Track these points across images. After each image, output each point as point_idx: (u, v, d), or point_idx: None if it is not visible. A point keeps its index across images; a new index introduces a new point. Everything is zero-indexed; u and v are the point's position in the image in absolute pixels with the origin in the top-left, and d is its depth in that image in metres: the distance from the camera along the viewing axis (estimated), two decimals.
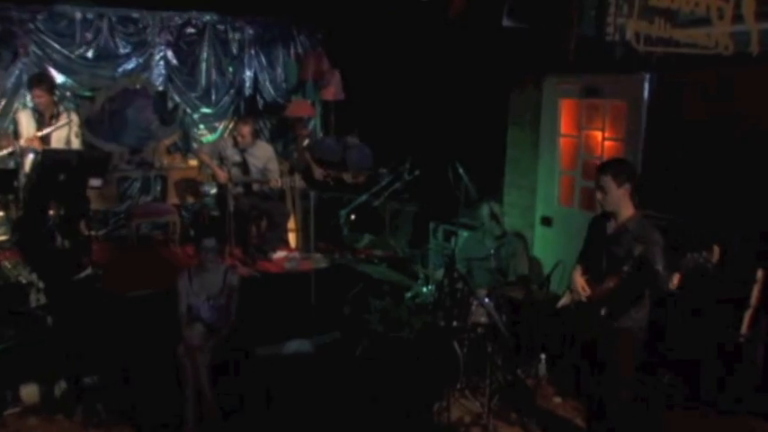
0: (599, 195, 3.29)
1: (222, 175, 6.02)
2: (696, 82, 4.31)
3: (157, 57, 7.47)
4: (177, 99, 7.64)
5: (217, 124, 7.98)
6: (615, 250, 3.26)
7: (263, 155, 6.24)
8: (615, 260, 3.24)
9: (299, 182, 6.17)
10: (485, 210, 5.42)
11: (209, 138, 7.84)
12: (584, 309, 3.43)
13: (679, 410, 4.00)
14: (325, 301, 5.38)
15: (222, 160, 6.17)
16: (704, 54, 4.15)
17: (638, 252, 3.10)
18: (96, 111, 7.03)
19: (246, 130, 6.10)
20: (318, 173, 6.73)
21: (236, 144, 6.15)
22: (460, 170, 4.88)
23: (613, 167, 3.31)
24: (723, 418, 3.86)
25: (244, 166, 6.17)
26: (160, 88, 7.52)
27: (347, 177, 6.56)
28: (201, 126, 7.92)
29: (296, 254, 6.65)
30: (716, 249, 2.96)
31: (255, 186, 6.24)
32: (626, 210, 3.28)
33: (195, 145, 7.65)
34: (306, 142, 8.06)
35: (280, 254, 6.55)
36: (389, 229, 6.61)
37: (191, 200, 7.22)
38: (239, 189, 6.18)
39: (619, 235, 3.28)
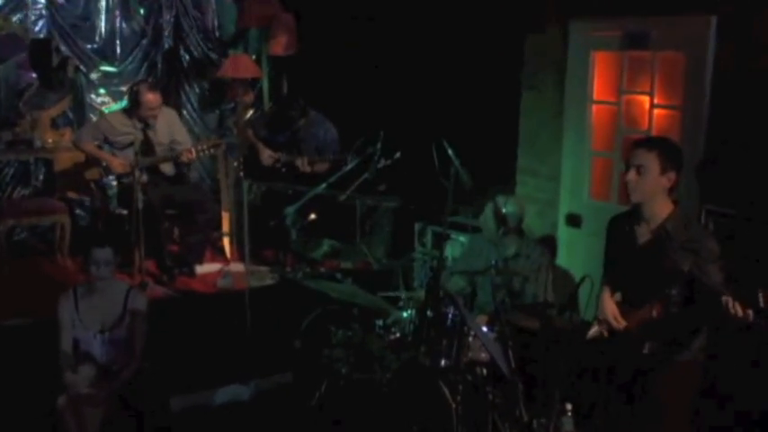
0: (632, 176, 3.33)
1: (119, 164, 6.07)
2: None
3: None
4: (66, 52, 7.57)
5: (123, 88, 7.88)
6: (654, 265, 3.29)
7: (166, 125, 6.33)
8: (656, 279, 3.27)
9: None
10: (488, 207, 5.38)
11: (113, 107, 7.81)
12: (622, 343, 3.45)
13: None
14: (270, 331, 5.36)
15: (112, 145, 6.22)
16: None
17: (686, 268, 3.13)
18: None
19: (156, 99, 6.17)
20: (267, 156, 6.66)
21: (132, 119, 6.18)
22: (449, 151, 4.84)
23: (663, 145, 3.38)
24: None
25: (145, 147, 6.17)
26: (40, 36, 7.44)
27: (302, 163, 6.49)
28: (102, 90, 7.91)
29: (231, 267, 6.64)
30: (760, 295, 2.87)
31: (168, 169, 6.22)
32: (661, 206, 3.35)
33: (93, 117, 7.58)
34: (249, 114, 7.99)
35: (209, 267, 6.56)
36: (361, 233, 6.56)
37: (88, 192, 7.13)
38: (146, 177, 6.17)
39: (656, 243, 3.32)
